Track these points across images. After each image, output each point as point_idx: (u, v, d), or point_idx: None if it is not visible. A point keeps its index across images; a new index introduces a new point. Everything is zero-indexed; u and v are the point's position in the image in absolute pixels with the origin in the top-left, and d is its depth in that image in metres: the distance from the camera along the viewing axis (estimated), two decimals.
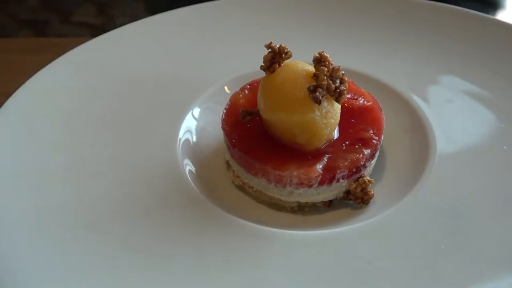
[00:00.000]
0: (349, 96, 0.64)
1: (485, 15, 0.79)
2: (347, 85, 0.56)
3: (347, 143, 0.59)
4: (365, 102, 0.64)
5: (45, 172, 0.60)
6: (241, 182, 0.62)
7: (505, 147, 0.61)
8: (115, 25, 0.83)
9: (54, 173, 0.60)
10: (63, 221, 0.54)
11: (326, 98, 0.55)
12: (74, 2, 2.43)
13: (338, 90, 0.55)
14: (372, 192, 0.59)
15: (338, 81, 0.55)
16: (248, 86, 0.67)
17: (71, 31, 2.30)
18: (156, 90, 0.72)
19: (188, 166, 0.64)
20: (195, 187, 0.60)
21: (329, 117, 0.56)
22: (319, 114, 0.56)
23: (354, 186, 0.59)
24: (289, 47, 0.58)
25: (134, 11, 2.32)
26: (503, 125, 0.64)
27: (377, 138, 0.60)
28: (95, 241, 0.53)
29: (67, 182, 0.59)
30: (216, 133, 0.67)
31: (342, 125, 0.61)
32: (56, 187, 0.58)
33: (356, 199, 0.59)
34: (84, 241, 0.53)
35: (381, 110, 0.64)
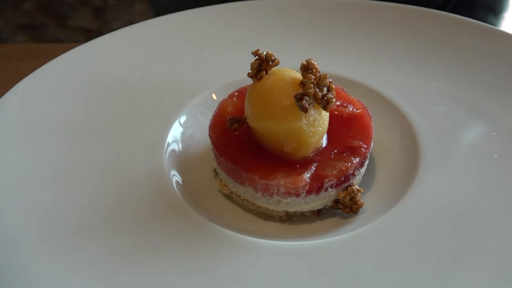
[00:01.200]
0: (338, 103, 0.64)
1: (478, 22, 0.78)
2: (334, 93, 0.55)
3: (335, 151, 0.59)
4: (355, 110, 0.63)
5: (29, 178, 0.59)
6: (228, 191, 0.61)
7: (495, 155, 0.60)
8: (110, 29, 0.83)
9: (38, 179, 0.59)
10: (44, 226, 0.54)
11: (313, 106, 0.54)
12: (69, 7, 2.43)
13: (325, 98, 0.54)
14: (362, 201, 0.58)
15: (325, 88, 0.54)
16: (237, 93, 0.66)
17: (66, 36, 2.30)
18: (143, 97, 0.71)
19: (175, 174, 0.63)
20: (180, 196, 0.59)
21: (317, 125, 0.56)
22: (306, 122, 0.55)
23: (343, 195, 0.58)
24: (276, 54, 0.57)
25: (129, 15, 2.32)
26: (494, 133, 0.63)
27: (366, 146, 0.59)
28: (77, 251, 0.52)
29: (50, 188, 0.58)
30: (204, 140, 0.66)
31: (331, 133, 0.60)
32: (39, 192, 0.58)
33: (345, 208, 0.59)
34: (65, 250, 0.52)
35: (371, 118, 0.63)
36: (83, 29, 2.33)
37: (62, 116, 0.68)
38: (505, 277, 0.48)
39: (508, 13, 1.13)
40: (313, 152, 0.58)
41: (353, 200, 0.58)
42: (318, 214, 0.60)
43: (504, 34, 0.75)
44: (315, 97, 0.54)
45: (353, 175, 0.58)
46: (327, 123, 0.58)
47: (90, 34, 2.28)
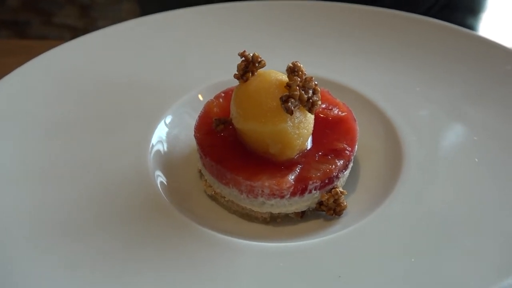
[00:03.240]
0: (323, 106, 0.64)
1: (462, 29, 0.80)
2: (320, 96, 0.56)
3: (320, 153, 0.59)
4: (340, 113, 0.64)
5: (9, 177, 0.58)
6: (213, 192, 0.61)
7: (476, 160, 0.61)
8: (97, 28, 0.82)
9: (17, 178, 0.58)
10: (24, 225, 0.53)
11: (298, 108, 0.55)
12: (56, 4, 2.40)
13: (311, 101, 0.55)
14: (345, 203, 0.59)
15: (311, 91, 0.55)
16: (223, 94, 0.66)
17: (52, 33, 2.27)
18: (129, 97, 0.71)
19: (159, 174, 0.63)
20: (165, 196, 0.59)
21: (302, 128, 0.56)
22: (292, 124, 0.55)
23: (326, 197, 0.58)
24: (263, 56, 0.57)
25: (116, 14, 2.30)
26: (475, 138, 0.64)
27: (350, 149, 0.60)
28: (60, 249, 0.51)
29: (31, 187, 0.57)
30: (190, 141, 0.66)
31: (316, 135, 0.60)
32: (20, 191, 0.57)
33: (329, 210, 0.59)
34: (47, 249, 0.51)
35: (355, 121, 0.63)
36: (69, 27, 2.31)
37: (45, 114, 0.67)
38: (486, 279, 0.49)
39: (485, 14, 1.15)
40: (298, 154, 0.58)
41: (337, 202, 0.58)
42: (302, 216, 0.60)
43: (488, 41, 0.76)
44: (300, 99, 0.54)
45: (337, 177, 0.59)
46: (312, 125, 0.58)
47: (76, 32, 2.26)
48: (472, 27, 1.14)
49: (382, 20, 0.82)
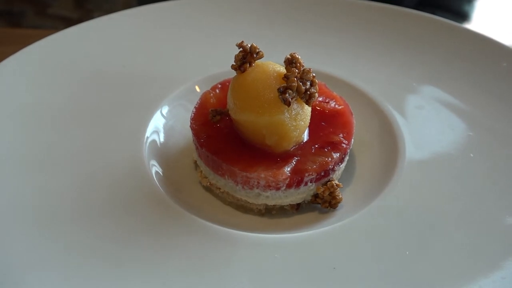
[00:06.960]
0: (320, 99, 0.64)
1: (458, 24, 0.80)
2: (317, 88, 0.55)
3: (316, 146, 0.59)
4: (336, 106, 0.64)
5: (3, 165, 0.57)
6: (208, 183, 0.61)
7: (471, 155, 0.62)
8: (92, 19, 0.81)
9: (12, 166, 0.58)
10: (20, 213, 0.53)
11: (296, 100, 0.55)
12: None
13: (308, 92, 0.55)
14: (340, 196, 0.59)
15: (308, 83, 0.55)
16: (220, 85, 0.66)
17: (46, 24, 2.24)
18: (125, 87, 0.70)
19: (155, 164, 0.63)
20: (160, 187, 0.58)
21: (299, 119, 0.56)
22: (288, 115, 0.55)
23: (322, 189, 0.58)
24: (261, 47, 0.57)
25: (112, 6, 2.28)
26: (470, 133, 0.65)
27: (346, 142, 0.60)
28: (54, 238, 0.51)
29: (25, 176, 0.57)
30: (186, 132, 0.66)
31: (312, 127, 0.60)
32: (13, 179, 0.56)
33: (324, 203, 0.59)
34: (42, 239, 0.51)
35: (352, 115, 0.63)
36: (64, 18, 2.29)
37: (40, 103, 0.66)
38: (478, 272, 0.49)
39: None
40: (294, 146, 0.58)
41: (332, 195, 0.58)
42: (297, 208, 0.60)
43: (485, 38, 0.77)
44: (298, 91, 0.54)
45: (333, 170, 0.59)
46: (309, 117, 0.58)
47: (70, 24, 2.24)
48: (467, 14, 1.15)
49: (382, 14, 0.82)
